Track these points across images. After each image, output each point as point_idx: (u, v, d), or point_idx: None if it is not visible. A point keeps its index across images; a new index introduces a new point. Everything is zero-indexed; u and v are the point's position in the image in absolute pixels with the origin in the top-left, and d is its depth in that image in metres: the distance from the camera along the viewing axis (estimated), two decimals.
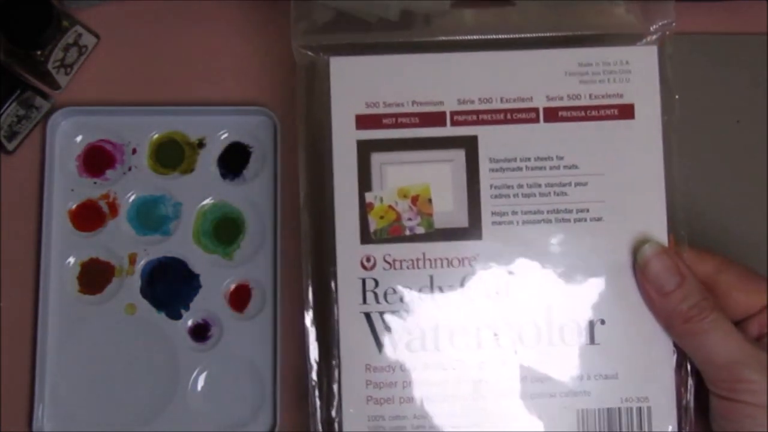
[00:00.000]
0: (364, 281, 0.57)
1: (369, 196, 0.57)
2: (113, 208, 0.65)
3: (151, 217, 0.65)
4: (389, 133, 0.58)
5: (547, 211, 0.57)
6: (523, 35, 0.59)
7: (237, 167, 0.66)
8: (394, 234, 0.57)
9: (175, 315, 0.64)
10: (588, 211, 0.57)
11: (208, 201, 0.66)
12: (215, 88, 0.67)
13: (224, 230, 0.65)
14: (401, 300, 0.57)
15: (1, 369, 0.63)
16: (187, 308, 0.64)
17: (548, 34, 0.59)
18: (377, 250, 0.57)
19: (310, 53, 0.59)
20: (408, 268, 0.57)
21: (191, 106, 0.66)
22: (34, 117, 0.65)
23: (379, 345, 0.56)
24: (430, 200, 0.57)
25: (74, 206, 0.65)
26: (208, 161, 0.66)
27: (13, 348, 0.64)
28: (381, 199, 0.57)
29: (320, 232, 0.58)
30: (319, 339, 0.57)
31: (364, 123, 0.58)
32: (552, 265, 0.57)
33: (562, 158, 0.57)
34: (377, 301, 0.57)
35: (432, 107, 0.58)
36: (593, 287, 0.57)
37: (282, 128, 0.66)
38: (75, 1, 0.66)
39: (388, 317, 0.56)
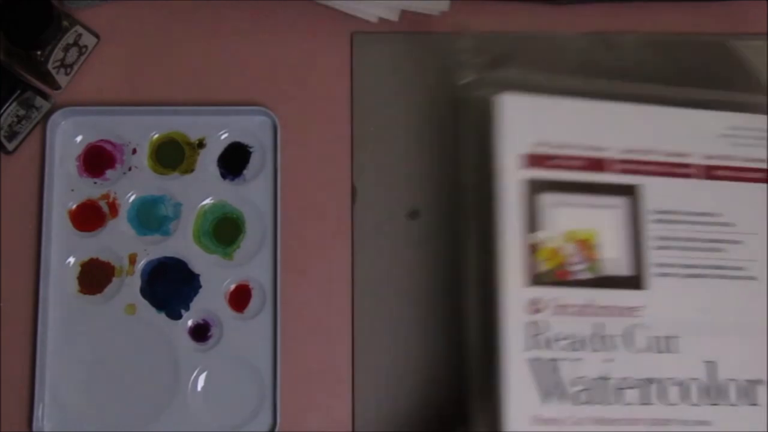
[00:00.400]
0: (530, 325, 0.55)
1: (535, 237, 0.56)
2: (113, 208, 0.65)
3: (151, 217, 0.65)
4: (556, 174, 0.57)
5: (705, 266, 0.57)
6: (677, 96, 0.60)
7: (237, 167, 0.66)
8: (561, 278, 0.56)
9: (175, 315, 0.64)
10: (743, 269, 0.57)
11: (208, 201, 0.66)
12: (215, 88, 0.67)
13: (224, 230, 0.65)
14: (569, 348, 0.55)
15: (1, 369, 0.63)
16: (187, 308, 0.64)
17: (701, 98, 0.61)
18: (544, 294, 0.55)
19: (475, 91, 0.59)
20: (574, 314, 0.55)
21: (191, 106, 0.66)
22: (34, 117, 0.65)
23: (546, 395, 0.54)
24: (596, 245, 0.56)
25: (74, 206, 0.65)
26: (208, 161, 0.66)
27: (13, 348, 0.64)
28: (548, 241, 0.56)
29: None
30: (481, 383, 0.55)
31: (531, 162, 0.57)
32: (712, 322, 0.56)
33: (720, 215, 0.58)
34: (544, 347, 0.55)
35: (597, 152, 0.58)
36: (753, 347, 0.56)
37: (282, 128, 0.66)
38: (75, 2, 0.66)
39: (555, 365, 0.55)
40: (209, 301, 0.64)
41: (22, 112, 0.64)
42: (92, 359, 0.63)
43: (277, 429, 0.62)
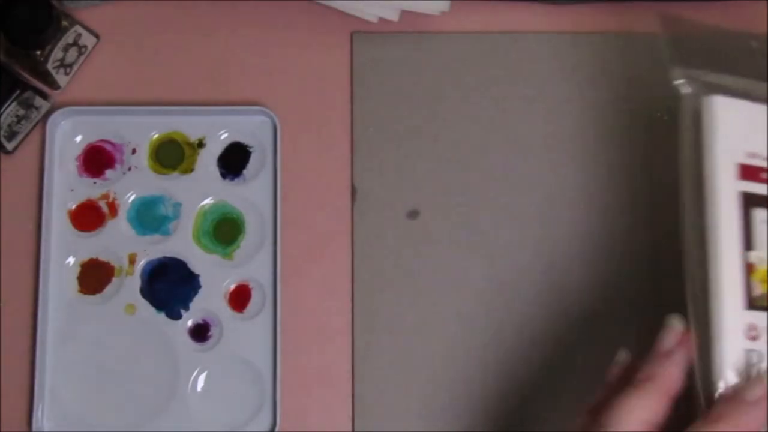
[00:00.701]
0: (748, 353, 0.50)
1: (752, 256, 0.52)
2: (113, 208, 0.65)
3: (151, 217, 0.65)
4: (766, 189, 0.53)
5: None
6: None
7: (237, 167, 0.66)
8: None
9: (175, 315, 0.64)
10: None
11: (208, 201, 0.66)
12: (215, 88, 0.67)
13: (224, 230, 0.65)
14: None
15: (1, 369, 0.63)
16: (187, 308, 0.64)
17: None
18: (761, 319, 0.51)
19: (689, 90, 0.54)
20: None
21: (191, 106, 0.66)
22: (34, 117, 0.65)
23: None
24: None
25: (74, 206, 0.65)
26: (208, 161, 0.66)
27: (13, 348, 0.64)
28: (764, 261, 0.52)
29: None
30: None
31: (746, 174, 0.53)
32: None
33: None
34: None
35: None
36: None
37: (282, 128, 0.66)
38: (75, 1, 0.66)
39: None
40: (209, 301, 0.64)
41: (21, 112, 0.64)
42: (92, 359, 0.63)
43: (277, 429, 0.62)
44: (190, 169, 0.66)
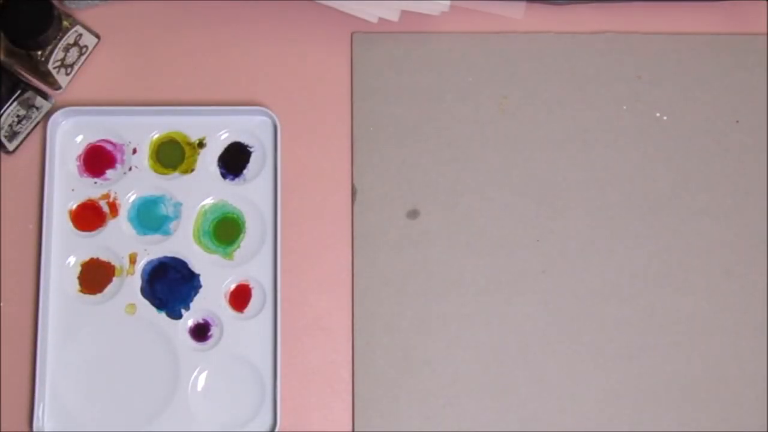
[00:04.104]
0: None
1: None
2: (114, 208, 0.65)
3: (151, 216, 0.66)
4: None
5: None
6: None
7: (237, 167, 0.66)
8: None
9: (176, 315, 0.64)
10: None
11: (208, 201, 0.66)
12: (215, 88, 0.67)
13: (224, 230, 0.65)
14: None
15: (1, 369, 0.64)
16: (187, 308, 0.64)
17: None
18: None
19: None
20: None
21: (191, 106, 0.66)
22: (35, 117, 0.66)
23: None
24: None
25: (75, 206, 0.65)
26: (208, 161, 0.66)
27: (13, 348, 0.64)
28: None
29: None
30: None
31: None
32: None
33: None
34: None
35: None
36: None
37: (282, 128, 0.66)
38: (76, 2, 0.67)
39: None
40: (209, 300, 0.64)
41: (22, 112, 0.64)
42: (92, 359, 0.63)
43: (277, 429, 0.62)
44: (190, 169, 0.66)
